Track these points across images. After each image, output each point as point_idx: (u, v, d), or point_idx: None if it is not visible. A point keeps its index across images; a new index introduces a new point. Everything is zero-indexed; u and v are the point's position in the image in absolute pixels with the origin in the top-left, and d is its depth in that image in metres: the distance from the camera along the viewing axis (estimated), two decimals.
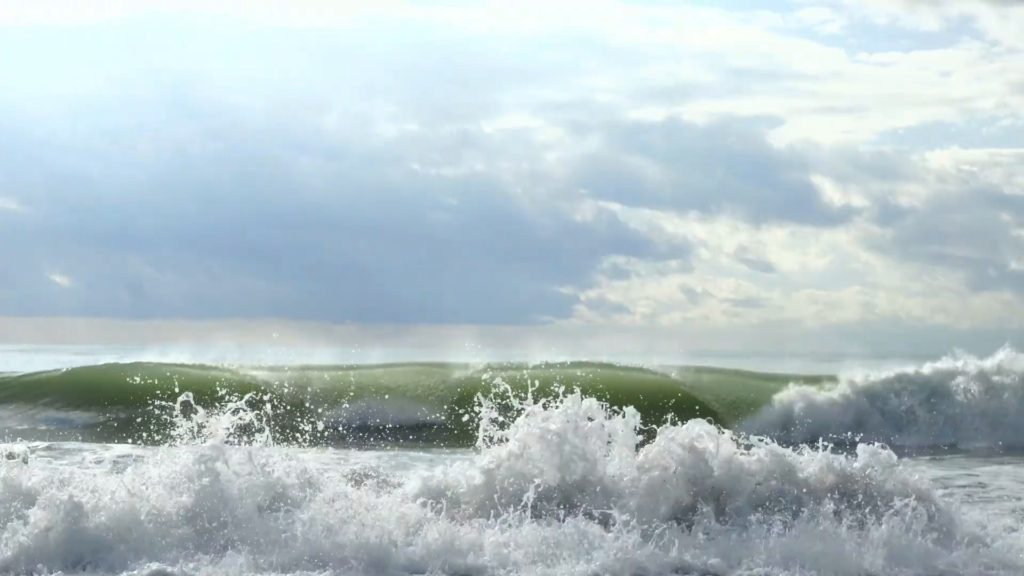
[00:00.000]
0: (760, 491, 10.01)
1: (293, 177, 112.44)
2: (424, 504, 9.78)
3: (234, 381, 20.91)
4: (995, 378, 24.76)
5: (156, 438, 10.54)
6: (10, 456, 9.96)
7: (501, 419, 10.50)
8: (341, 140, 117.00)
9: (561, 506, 9.78)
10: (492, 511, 9.72)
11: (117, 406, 22.97)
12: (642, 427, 10.38)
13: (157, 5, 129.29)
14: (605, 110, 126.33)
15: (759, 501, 9.93)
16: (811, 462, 10.26)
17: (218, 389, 10.84)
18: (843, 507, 9.66)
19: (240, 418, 10.13)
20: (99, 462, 15.19)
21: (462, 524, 9.65)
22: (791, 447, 10.38)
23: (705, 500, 9.82)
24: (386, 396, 23.33)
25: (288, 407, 12.13)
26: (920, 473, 10.60)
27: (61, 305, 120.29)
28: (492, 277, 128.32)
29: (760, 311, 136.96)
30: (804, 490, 9.97)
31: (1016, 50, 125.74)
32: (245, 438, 10.07)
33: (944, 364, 26.22)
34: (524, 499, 9.66)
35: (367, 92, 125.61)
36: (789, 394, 24.60)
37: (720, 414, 22.93)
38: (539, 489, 9.82)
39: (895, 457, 10.30)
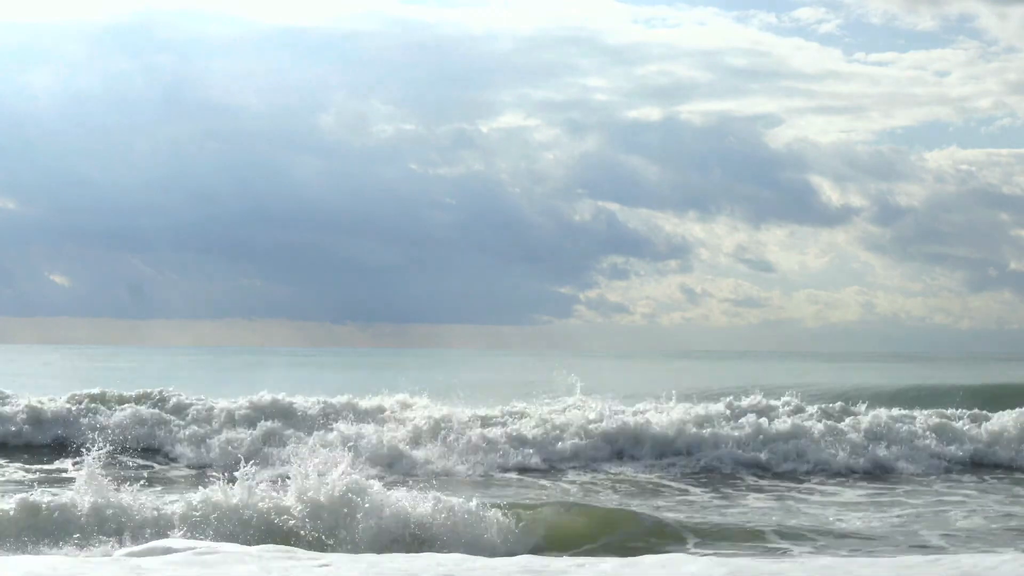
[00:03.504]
0: None
1: (291, 177, 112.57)
2: None
3: None
4: None
5: None
6: None
7: None
8: (338, 139, 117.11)
9: None
10: None
11: None
12: None
13: (157, 5, 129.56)
14: (602, 109, 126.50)
15: None
16: None
17: None
18: None
19: None
20: None
21: None
22: None
23: None
24: None
25: None
26: None
27: (61, 305, 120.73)
28: (492, 277, 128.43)
29: (760, 311, 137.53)
30: None
31: (1014, 49, 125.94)
32: None
33: None
34: None
35: (364, 92, 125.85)
36: None
37: None
38: None
39: None
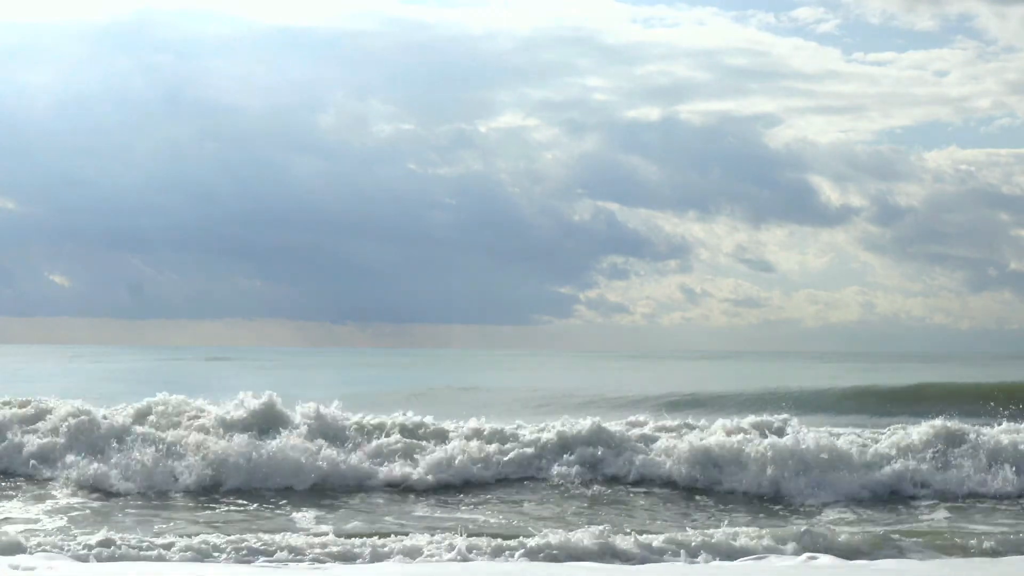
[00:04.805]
0: None
1: (290, 177, 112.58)
2: None
3: None
4: None
5: None
6: None
7: None
8: (338, 139, 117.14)
9: None
10: None
11: None
12: None
13: (156, 5, 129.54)
14: (601, 109, 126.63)
15: None
16: None
17: None
18: None
19: None
20: None
21: None
22: None
23: None
24: None
25: None
26: None
27: (61, 305, 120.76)
28: (492, 277, 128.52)
29: (760, 311, 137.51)
30: None
31: (1013, 49, 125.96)
32: None
33: None
34: None
35: (363, 92, 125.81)
36: None
37: None
38: None
39: None
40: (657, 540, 12.56)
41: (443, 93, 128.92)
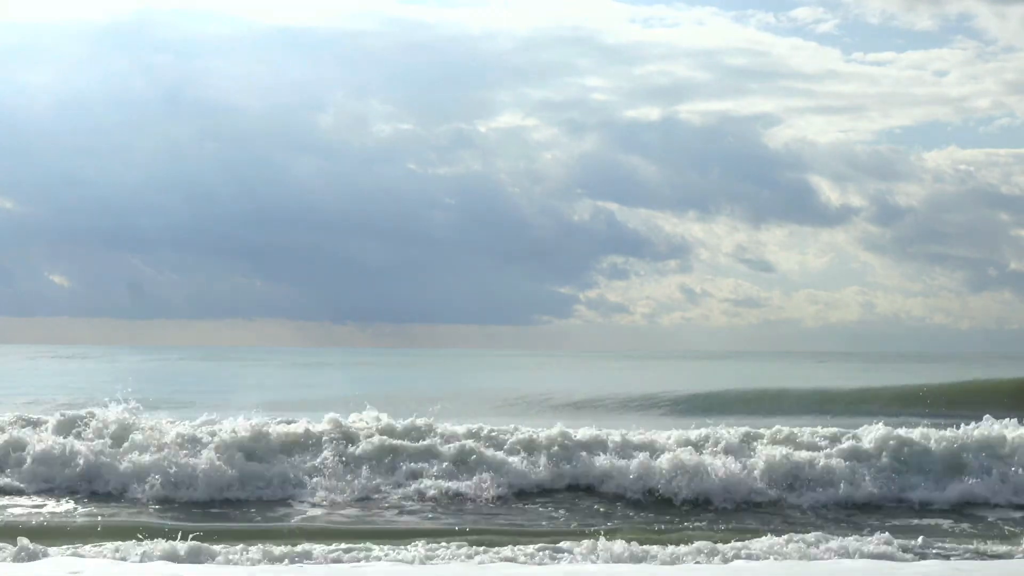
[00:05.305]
0: None
1: (290, 176, 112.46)
2: None
3: None
4: None
5: None
6: None
7: None
8: (337, 140, 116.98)
9: None
10: None
11: None
12: None
13: (156, 5, 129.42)
14: (601, 109, 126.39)
15: None
16: None
17: None
18: None
19: None
20: None
21: None
22: None
23: None
24: None
25: None
26: None
27: (61, 305, 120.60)
28: (491, 277, 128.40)
29: (760, 311, 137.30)
30: None
31: (1013, 49, 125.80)
32: None
33: None
34: None
35: (363, 92, 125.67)
36: None
37: None
38: None
39: None
40: None
41: (443, 93, 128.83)
